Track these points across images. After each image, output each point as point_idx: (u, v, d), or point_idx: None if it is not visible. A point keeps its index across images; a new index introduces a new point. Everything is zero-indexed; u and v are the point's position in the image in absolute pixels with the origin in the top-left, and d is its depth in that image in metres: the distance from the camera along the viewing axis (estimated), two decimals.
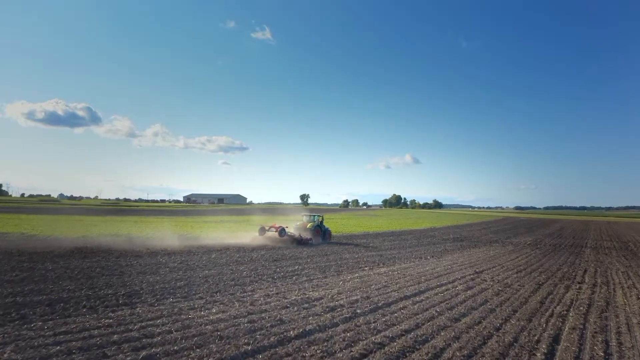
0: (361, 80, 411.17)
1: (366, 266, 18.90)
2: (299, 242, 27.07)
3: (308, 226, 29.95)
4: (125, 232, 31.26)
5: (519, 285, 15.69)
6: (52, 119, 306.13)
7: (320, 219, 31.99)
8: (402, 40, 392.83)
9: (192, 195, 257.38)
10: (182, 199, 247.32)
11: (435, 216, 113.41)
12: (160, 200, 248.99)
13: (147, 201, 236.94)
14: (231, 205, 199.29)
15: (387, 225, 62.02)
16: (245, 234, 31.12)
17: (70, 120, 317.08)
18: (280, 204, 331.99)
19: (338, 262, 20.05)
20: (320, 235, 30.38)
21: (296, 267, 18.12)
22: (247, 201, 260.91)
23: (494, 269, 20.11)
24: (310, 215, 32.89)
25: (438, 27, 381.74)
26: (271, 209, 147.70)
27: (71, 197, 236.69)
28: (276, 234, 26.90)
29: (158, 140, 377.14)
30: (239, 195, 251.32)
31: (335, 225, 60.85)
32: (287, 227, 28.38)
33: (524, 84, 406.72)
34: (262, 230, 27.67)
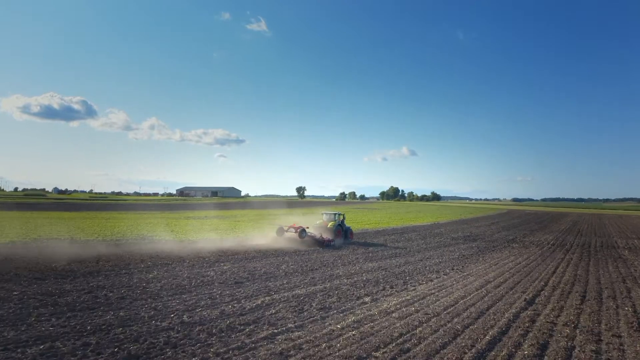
0: (357, 72, 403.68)
1: (366, 294, 13.04)
2: (321, 243, 25.28)
3: (329, 226, 28.06)
4: (66, 235, 25.62)
5: (613, 336, 9.99)
6: (48, 113, 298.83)
7: (341, 217, 29.82)
8: (399, 32, 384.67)
9: (186, 188, 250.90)
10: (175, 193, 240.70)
11: (436, 209, 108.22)
12: (153, 193, 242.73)
13: (140, 195, 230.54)
14: (225, 198, 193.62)
15: (388, 221, 56.59)
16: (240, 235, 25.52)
17: (66, 113, 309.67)
18: (277, 196, 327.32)
19: (327, 289, 14.40)
20: (342, 235, 28.55)
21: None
22: (243, 194, 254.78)
23: (544, 292, 14.59)
24: (330, 214, 30.25)
25: (435, 19, 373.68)
26: (265, 202, 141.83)
27: (65, 192, 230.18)
28: (296, 235, 25.10)
29: (154, 133, 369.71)
30: (233, 188, 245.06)
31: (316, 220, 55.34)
32: (307, 227, 26.26)
33: (520, 76, 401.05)
34: (281, 230, 25.93)
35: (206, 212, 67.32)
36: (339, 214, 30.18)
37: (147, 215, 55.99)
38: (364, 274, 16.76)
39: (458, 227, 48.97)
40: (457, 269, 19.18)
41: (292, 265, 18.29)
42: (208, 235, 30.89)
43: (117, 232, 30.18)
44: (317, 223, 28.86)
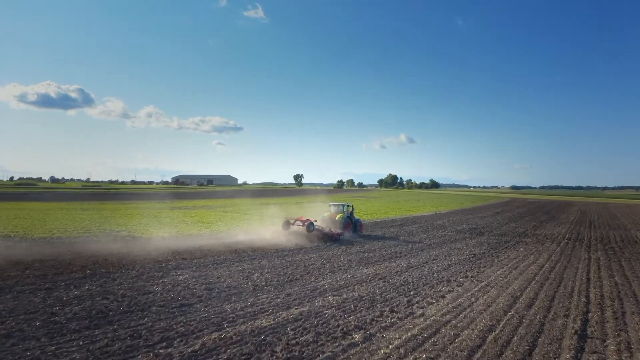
0: (355, 60, 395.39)
1: (357, 326, 9.24)
2: (329, 237, 23.89)
3: (337, 218, 26.47)
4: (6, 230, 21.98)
5: None
6: (45, 101, 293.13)
7: (350, 209, 28.19)
8: (397, 19, 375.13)
9: (181, 176, 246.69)
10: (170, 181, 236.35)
11: (435, 197, 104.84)
12: (148, 182, 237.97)
13: (137, 183, 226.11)
14: (220, 187, 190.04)
15: (386, 210, 53.12)
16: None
17: (63, 102, 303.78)
18: (275, 184, 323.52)
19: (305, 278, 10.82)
20: (351, 228, 26.97)
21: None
22: (239, 182, 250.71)
23: (594, 315, 11.07)
24: (339, 205, 28.49)
25: (434, 5, 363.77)
26: (263, 190, 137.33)
27: (59, 180, 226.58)
28: (303, 229, 23.73)
29: (152, 121, 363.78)
30: (229, 176, 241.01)
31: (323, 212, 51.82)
32: (315, 220, 24.76)
33: (519, 63, 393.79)
34: (287, 224, 24.39)
35: (196, 202, 63.78)
36: (348, 205, 28.24)
37: (131, 205, 52.33)
38: (356, 287, 13.18)
39: (461, 218, 45.53)
40: (471, 276, 15.64)
41: (267, 273, 14.70)
42: (185, 229, 27.31)
43: (81, 227, 26.56)
44: (324, 215, 27.15)
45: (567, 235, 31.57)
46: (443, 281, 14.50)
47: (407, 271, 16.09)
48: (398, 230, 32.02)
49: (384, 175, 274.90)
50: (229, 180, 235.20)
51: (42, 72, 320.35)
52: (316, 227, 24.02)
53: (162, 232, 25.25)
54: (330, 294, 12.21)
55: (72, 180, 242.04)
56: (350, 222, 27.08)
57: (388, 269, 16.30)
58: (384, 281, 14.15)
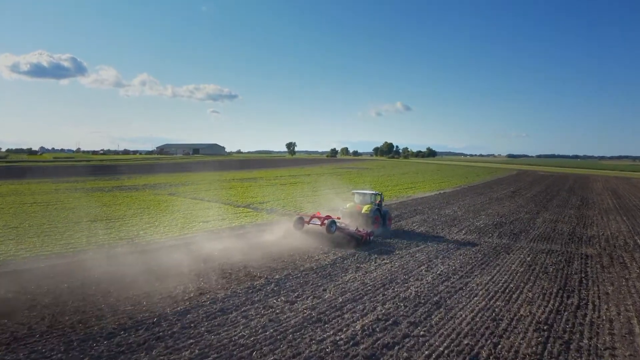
0: (352, 26, 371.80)
1: None
2: (357, 240, 18.73)
3: (364, 211, 21.42)
4: None
5: None
6: (37, 71, 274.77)
7: (378, 198, 23.17)
8: None
9: (166, 145, 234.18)
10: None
11: (435, 170, 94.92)
12: (133, 151, 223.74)
13: (118, 153, 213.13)
14: (206, 156, 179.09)
15: (380, 188, 43.31)
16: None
17: (56, 71, 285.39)
18: (270, 152, 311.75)
19: None
20: (380, 222, 21.79)
21: None
22: (235, 150, 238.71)
23: None
24: (365, 193, 23.37)
25: None
26: (246, 160, 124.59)
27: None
28: (322, 229, 18.81)
29: (145, 89, 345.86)
30: (216, 145, 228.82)
31: (303, 190, 41.76)
32: (338, 217, 20.19)
33: (516, 30, 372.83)
34: (300, 222, 19.61)
35: (148, 179, 53.55)
36: (376, 194, 23.22)
37: (66, 185, 41.97)
38: None
39: (474, 202, 35.87)
40: None
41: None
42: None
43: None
44: (345, 207, 22.38)
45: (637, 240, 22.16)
46: None
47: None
48: (397, 230, 22.35)
49: (379, 143, 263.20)
50: (216, 150, 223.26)
51: (33, 41, 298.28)
52: (339, 226, 19.28)
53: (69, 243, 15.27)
54: None
55: (62, 150, 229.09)
56: (379, 215, 21.75)
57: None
58: None
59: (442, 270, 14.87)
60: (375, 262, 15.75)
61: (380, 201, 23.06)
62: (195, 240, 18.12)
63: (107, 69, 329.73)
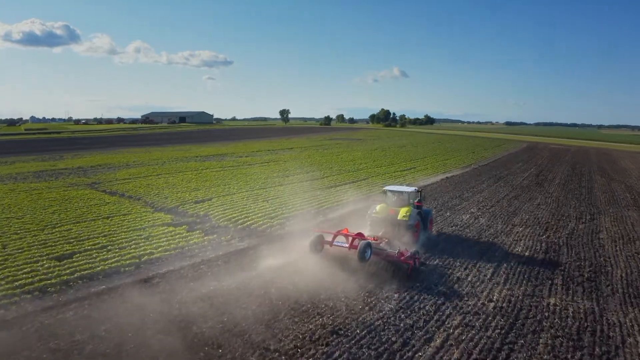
0: None
1: None
2: (403, 268, 13.59)
3: (401, 216, 16.15)
4: None
5: None
6: (30, 40, 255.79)
7: (418, 196, 18.20)
8: None
9: (151, 114, 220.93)
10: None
11: (435, 141, 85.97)
12: (117, 119, 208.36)
13: (111, 122, 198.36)
14: (193, 125, 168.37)
15: (367, 172, 34.93)
16: None
17: (49, 39, 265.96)
18: (266, 119, 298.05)
19: None
20: (420, 228, 16.98)
21: None
22: (215, 118, 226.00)
23: None
24: (403, 192, 17.74)
25: None
26: (235, 130, 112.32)
27: (42, 120, 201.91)
28: (352, 253, 13.70)
29: (140, 56, 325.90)
30: (203, 113, 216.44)
31: (271, 175, 32.20)
32: (375, 238, 14.78)
33: None
34: (320, 242, 14.41)
35: (105, 157, 44.94)
36: (416, 190, 18.24)
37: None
38: None
39: (497, 197, 27.78)
40: None
41: None
42: None
43: None
44: (374, 212, 17.00)
45: None
46: None
47: None
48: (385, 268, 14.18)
49: (376, 110, 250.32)
50: (203, 118, 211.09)
51: (25, 9, 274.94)
52: (376, 249, 14.00)
53: None
54: None
55: (52, 120, 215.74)
56: (420, 218, 17.23)
57: None
58: None
59: None
60: None
61: (420, 199, 18.20)
62: None
63: (101, 37, 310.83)
